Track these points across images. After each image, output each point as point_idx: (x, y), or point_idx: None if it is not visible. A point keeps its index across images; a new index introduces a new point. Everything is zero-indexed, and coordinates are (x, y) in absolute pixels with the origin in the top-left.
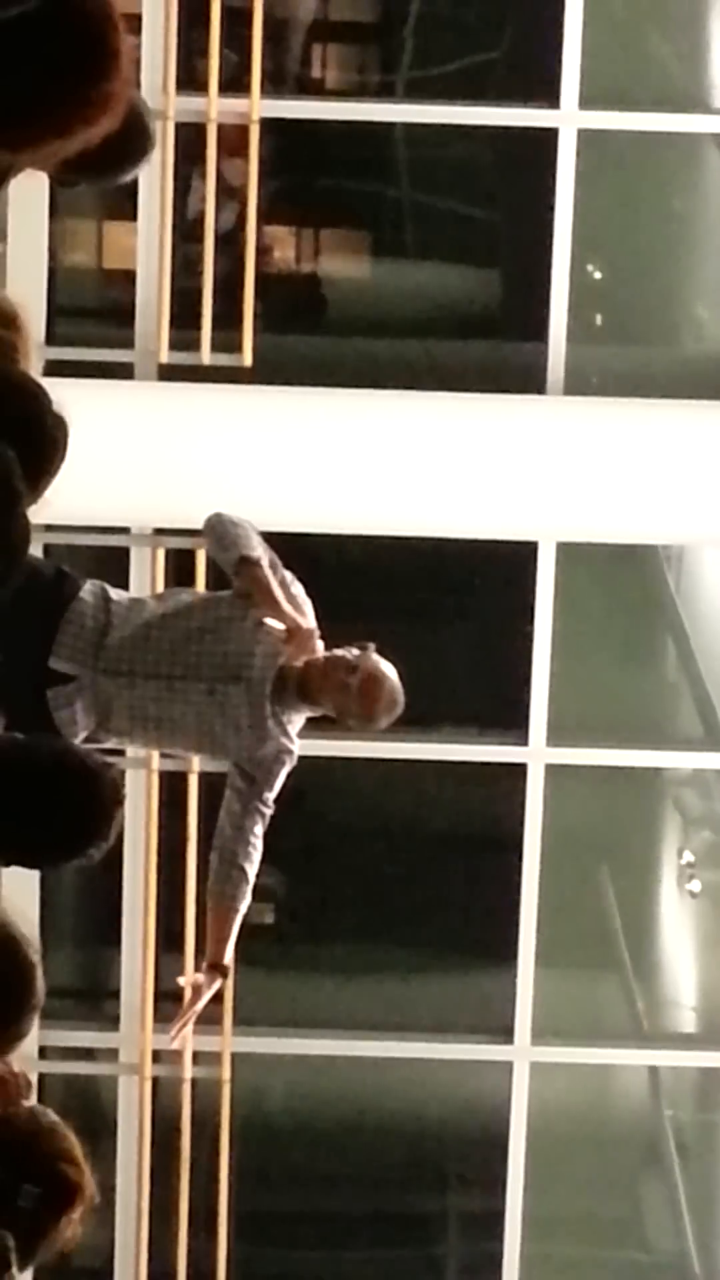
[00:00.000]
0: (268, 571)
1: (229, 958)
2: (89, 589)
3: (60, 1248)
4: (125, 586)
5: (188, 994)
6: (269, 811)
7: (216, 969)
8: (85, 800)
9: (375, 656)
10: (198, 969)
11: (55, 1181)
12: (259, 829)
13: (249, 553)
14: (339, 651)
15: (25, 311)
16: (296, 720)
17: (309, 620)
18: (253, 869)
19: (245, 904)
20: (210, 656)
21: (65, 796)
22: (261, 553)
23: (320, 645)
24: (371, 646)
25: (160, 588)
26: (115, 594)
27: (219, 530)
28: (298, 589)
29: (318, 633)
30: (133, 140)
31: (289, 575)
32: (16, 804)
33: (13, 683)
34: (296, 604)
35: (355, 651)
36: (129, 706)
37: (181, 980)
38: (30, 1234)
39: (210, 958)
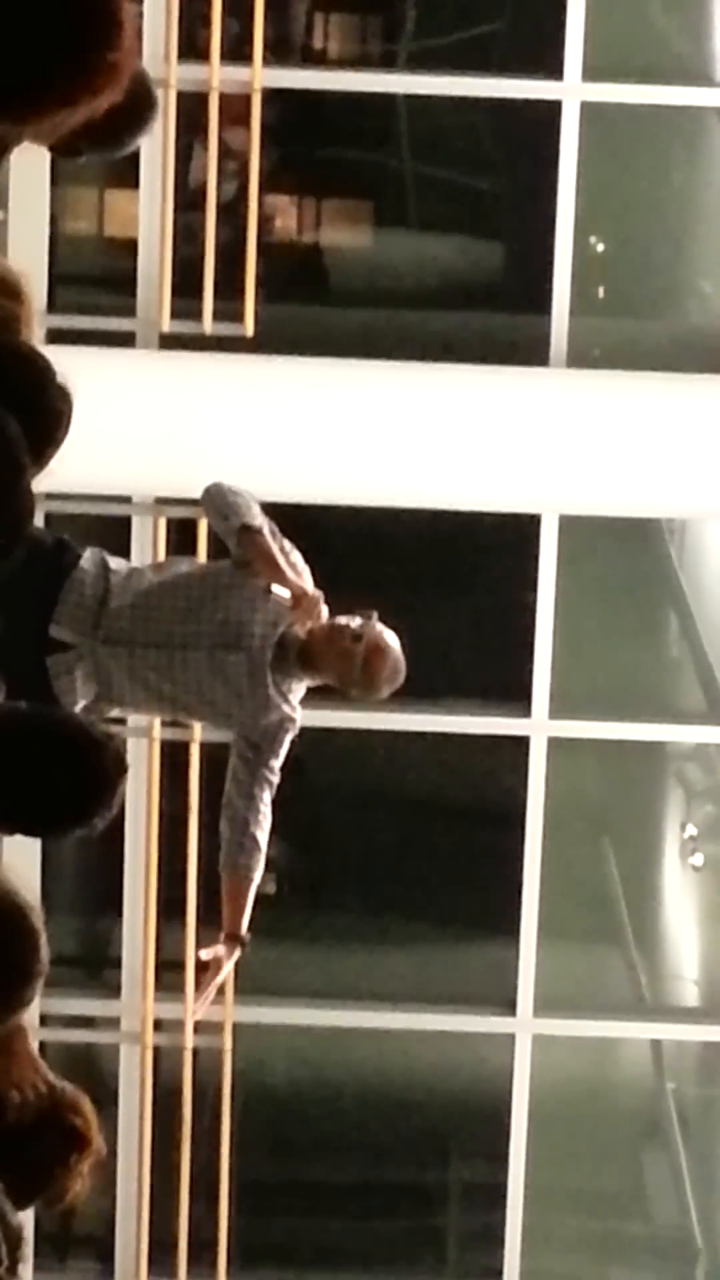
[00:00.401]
0: (269, 538)
1: (246, 928)
2: (89, 557)
3: (66, 1198)
4: (127, 556)
5: (211, 968)
6: (275, 779)
7: (235, 939)
8: (88, 770)
9: (378, 625)
10: (200, 939)
11: (59, 1128)
12: (267, 797)
13: (250, 520)
14: (342, 619)
15: (28, 282)
16: (298, 689)
17: (312, 586)
18: (264, 836)
19: (259, 873)
20: (210, 625)
21: (68, 767)
22: (261, 521)
23: (325, 611)
24: (374, 615)
25: (161, 558)
26: (115, 562)
27: (218, 500)
28: (297, 557)
29: (322, 598)
30: (136, 110)
31: (288, 544)
32: (19, 774)
33: (13, 650)
34: (297, 571)
35: (358, 620)
36: (129, 675)
37: (203, 954)
38: (28, 1176)
39: (228, 928)
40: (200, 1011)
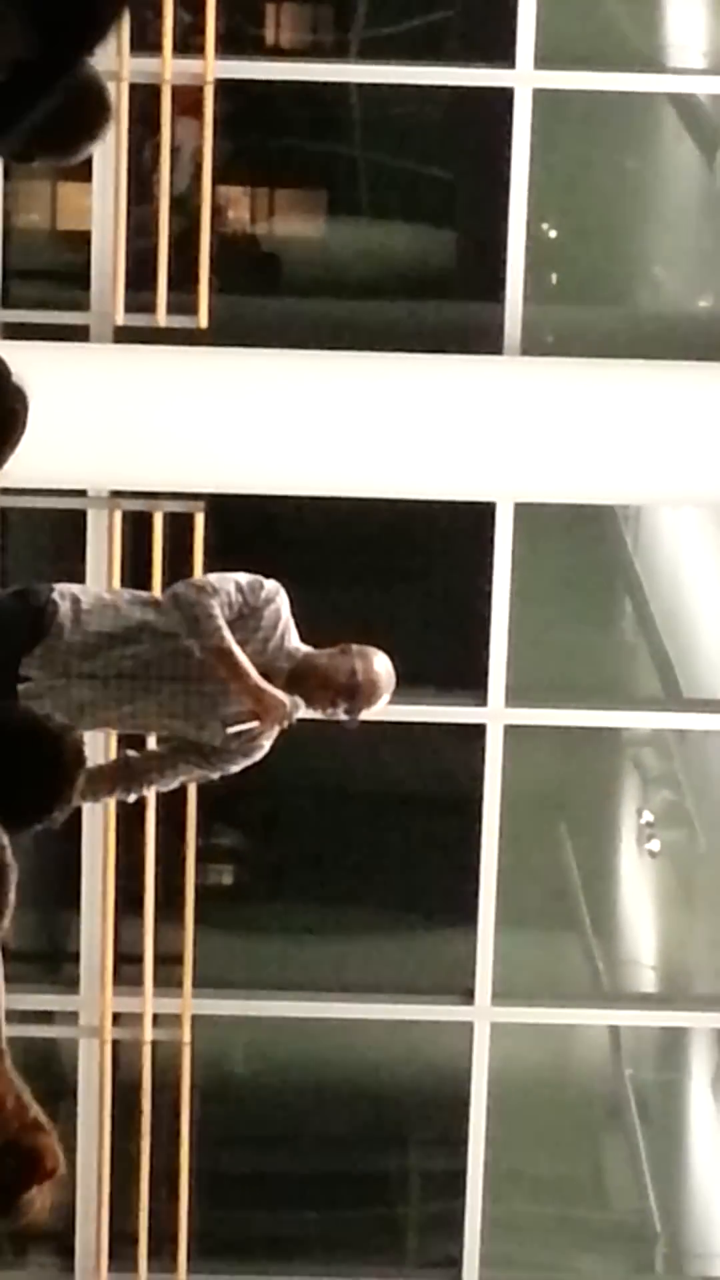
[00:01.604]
0: (234, 652)
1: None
2: (59, 602)
3: (22, 1220)
4: (83, 550)
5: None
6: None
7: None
8: (47, 762)
9: (367, 653)
10: (157, 932)
11: (24, 1153)
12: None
13: (209, 642)
14: (326, 673)
15: None
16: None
17: (279, 694)
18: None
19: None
20: (184, 696)
21: (26, 759)
22: (223, 625)
23: (299, 711)
24: (353, 649)
25: (117, 550)
26: (83, 597)
27: (176, 616)
28: (270, 605)
29: (291, 704)
30: (89, 117)
31: (262, 594)
32: None
33: None
34: (270, 631)
35: (341, 669)
36: (101, 708)
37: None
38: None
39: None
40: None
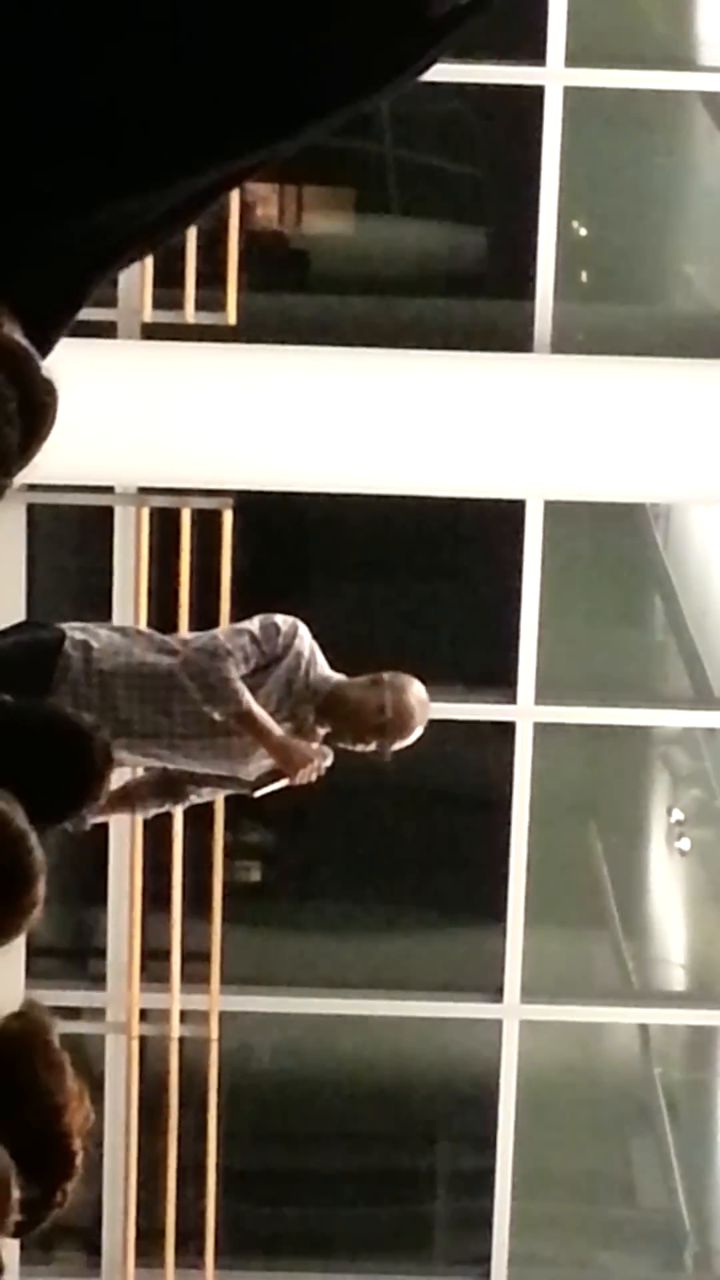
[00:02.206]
0: (257, 714)
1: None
2: (70, 647)
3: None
4: (110, 547)
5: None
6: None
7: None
8: (76, 761)
9: (399, 684)
10: (185, 928)
11: (52, 1161)
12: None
13: (229, 709)
14: (363, 709)
15: None
16: None
17: (306, 746)
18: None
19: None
20: (210, 751)
21: (56, 758)
22: (240, 686)
23: (327, 763)
24: (385, 680)
25: (145, 547)
26: (97, 643)
27: (193, 686)
28: (291, 650)
29: (319, 757)
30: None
31: (279, 640)
32: (7, 766)
33: None
34: (293, 672)
35: (372, 704)
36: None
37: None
38: (23, 1224)
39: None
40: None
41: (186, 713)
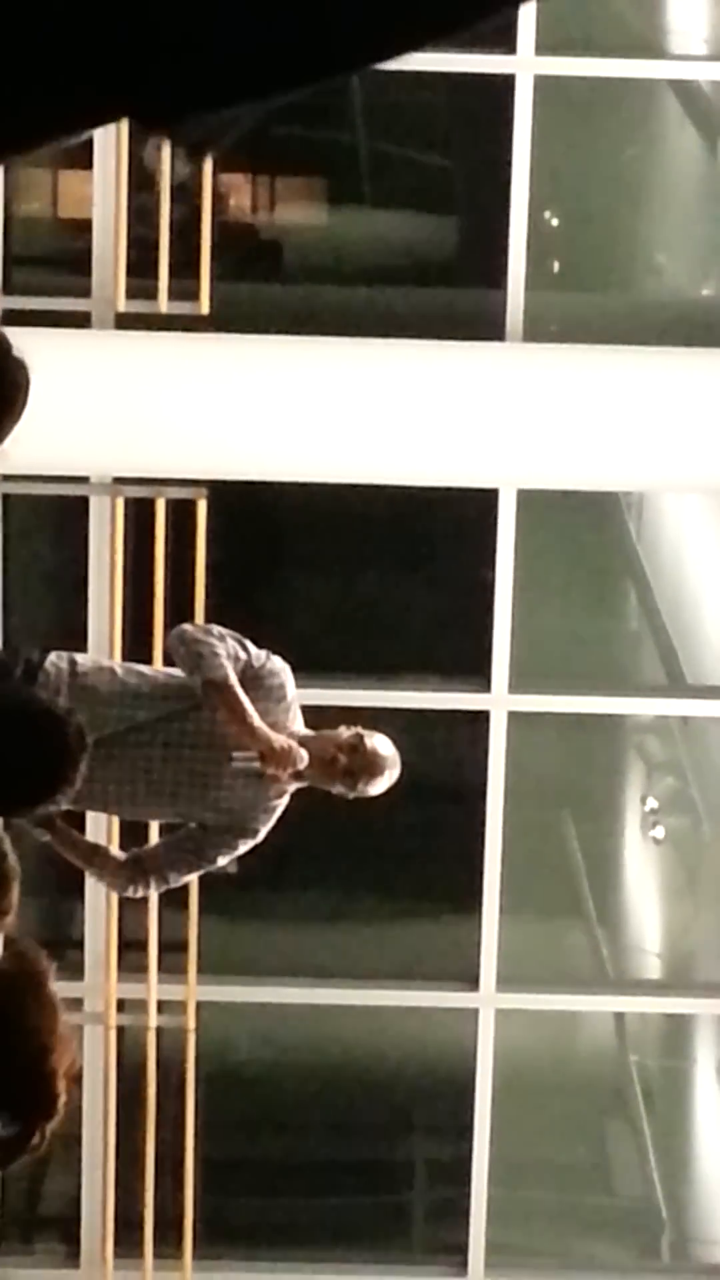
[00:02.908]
0: (236, 690)
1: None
2: (52, 666)
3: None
4: (85, 537)
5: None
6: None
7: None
8: (50, 745)
9: (367, 733)
10: (162, 919)
11: (35, 1099)
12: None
13: (213, 675)
14: (330, 739)
15: None
16: (279, 804)
17: (282, 738)
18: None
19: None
20: (189, 765)
21: (31, 742)
22: (228, 666)
23: (304, 757)
24: (359, 731)
25: (120, 537)
26: (81, 666)
27: (183, 650)
28: (276, 677)
29: (295, 749)
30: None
31: (268, 663)
32: None
33: None
34: (275, 703)
35: (344, 734)
36: (102, 792)
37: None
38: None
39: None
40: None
41: (171, 731)
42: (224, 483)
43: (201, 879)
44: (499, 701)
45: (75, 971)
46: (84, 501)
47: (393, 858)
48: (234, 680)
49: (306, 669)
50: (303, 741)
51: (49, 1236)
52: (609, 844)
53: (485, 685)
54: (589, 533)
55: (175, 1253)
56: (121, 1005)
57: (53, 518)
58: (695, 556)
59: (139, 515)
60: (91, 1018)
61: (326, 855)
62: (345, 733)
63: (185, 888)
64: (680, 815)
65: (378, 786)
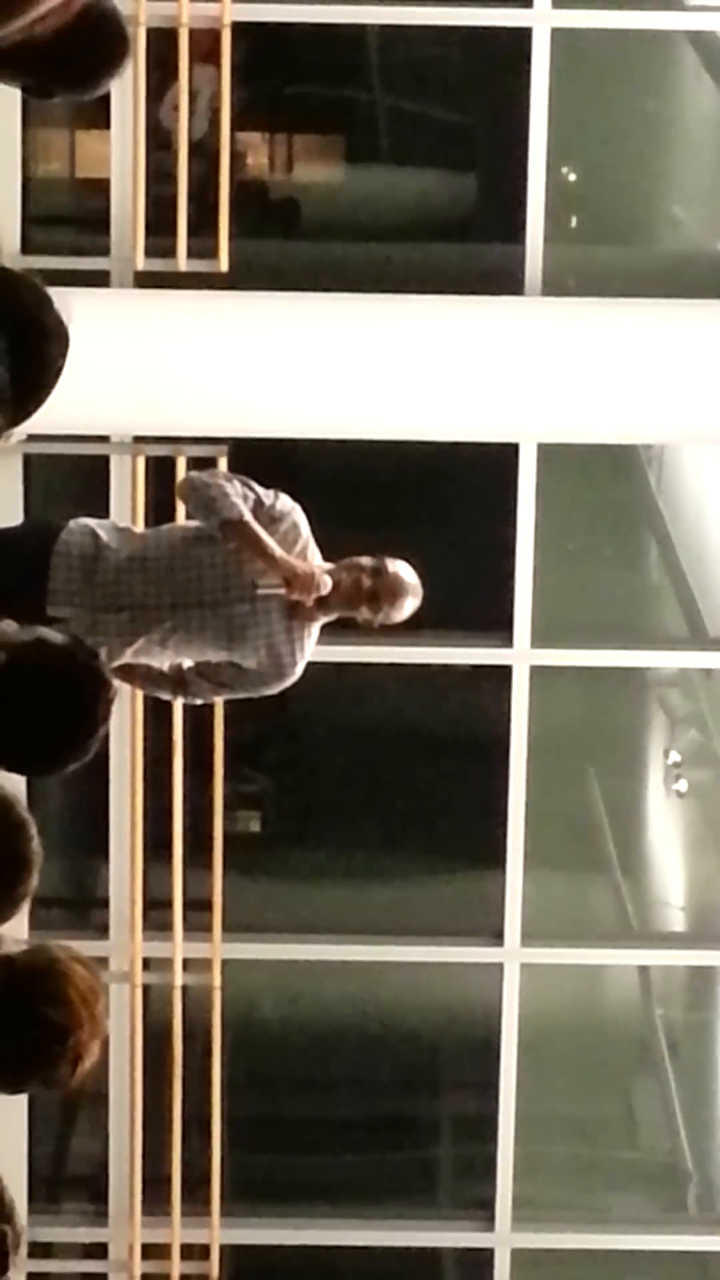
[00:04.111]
0: (253, 525)
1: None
2: (73, 527)
3: (66, 1083)
4: (107, 495)
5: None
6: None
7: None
8: (79, 694)
9: (387, 559)
10: (186, 876)
11: (49, 1021)
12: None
13: (228, 515)
14: (352, 565)
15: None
16: (311, 636)
17: (305, 564)
18: (185, 694)
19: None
20: (212, 581)
21: (58, 690)
22: (240, 504)
23: (327, 582)
24: (382, 557)
25: (141, 495)
26: (104, 531)
27: (193, 498)
28: (289, 518)
29: (317, 573)
30: (109, 50)
31: (278, 504)
32: (12, 701)
33: None
34: (291, 545)
35: (366, 561)
36: (132, 635)
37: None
38: (15, 1067)
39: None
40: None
41: (190, 577)
42: (244, 440)
43: (226, 838)
44: (521, 656)
45: (101, 931)
46: (105, 461)
47: (416, 813)
48: (249, 516)
49: (327, 625)
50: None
51: (77, 1195)
52: (632, 798)
53: (507, 640)
54: (610, 486)
55: (203, 1210)
56: (147, 964)
57: (74, 477)
58: (716, 509)
59: (160, 474)
60: (117, 976)
61: (350, 812)
62: (367, 560)
63: (209, 847)
64: (703, 768)
65: (401, 611)
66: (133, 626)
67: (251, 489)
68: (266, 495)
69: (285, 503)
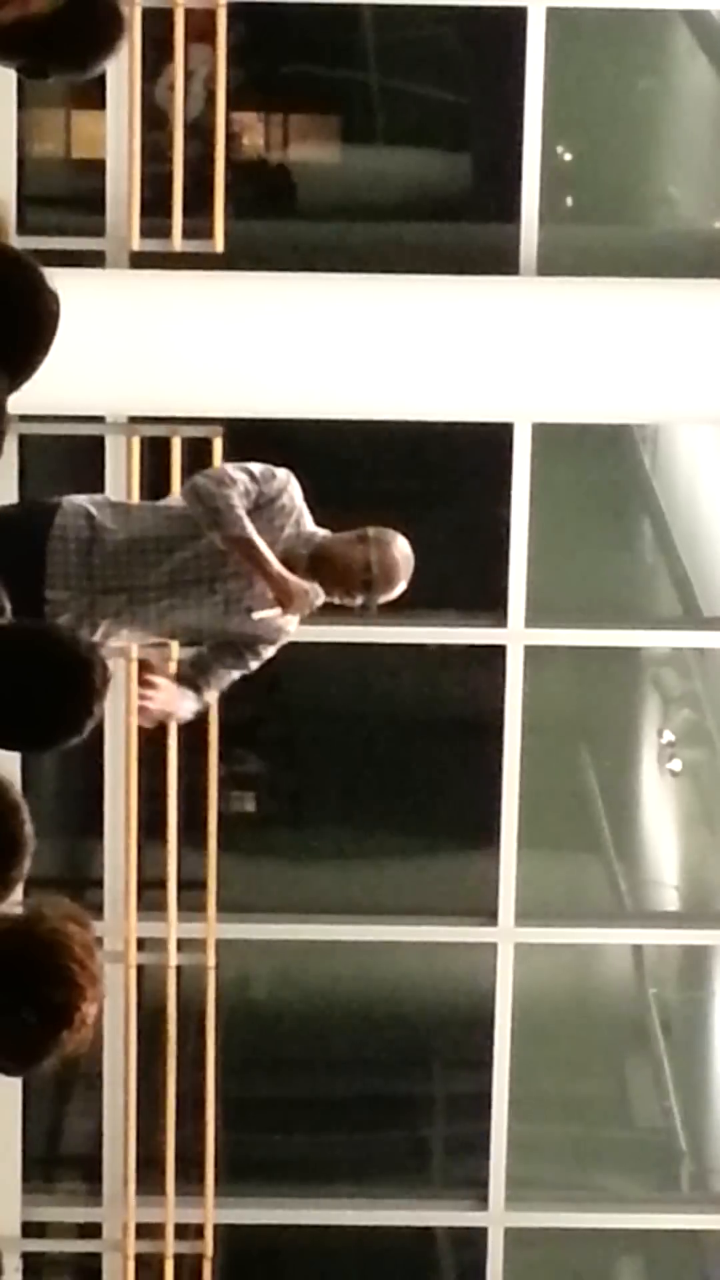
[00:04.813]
0: (256, 542)
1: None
2: (67, 509)
3: (68, 1054)
4: (102, 475)
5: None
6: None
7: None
8: (72, 679)
9: (384, 540)
10: (181, 857)
11: (54, 1001)
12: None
13: (234, 532)
14: (345, 561)
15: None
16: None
17: (299, 583)
18: (205, 695)
19: (189, 703)
20: (210, 558)
21: (52, 676)
22: (245, 520)
23: (319, 599)
24: (370, 536)
25: (136, 475)
26: (96, 508)
27: (200, 510)
28: (281, 496)
29: (312, 592)
30: (104, 30)
31: (273, 485)
32: (4, 685)
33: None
34: (284, 521)
35: (358, 555)
36: (130, 614)
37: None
38: (28, 1051)
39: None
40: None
41: (187, 559)
42: (240, 421)
43: (221, 818)
44: (515, 636)
45: (95, 911)
46: (100, 441)
47: (410, 793)
48: (251, 531)
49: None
50: (319, 550)
51: (71, 1175)
52: (626, 777)
53: (501, 620)
54: (604, 466)
55: (197, 1190)
56: (141, 944)
57: (69, 458)
58: (710, 489)
59: (155, 454)
60: (112, 956)
61: (344, 791)
62: (359, 553)
63: (203, 827)
64: (697, 747)
65: (393, 594)
66: (130, 607)
67: (253, 478)
68: (264, 478)
69: (280, 478)
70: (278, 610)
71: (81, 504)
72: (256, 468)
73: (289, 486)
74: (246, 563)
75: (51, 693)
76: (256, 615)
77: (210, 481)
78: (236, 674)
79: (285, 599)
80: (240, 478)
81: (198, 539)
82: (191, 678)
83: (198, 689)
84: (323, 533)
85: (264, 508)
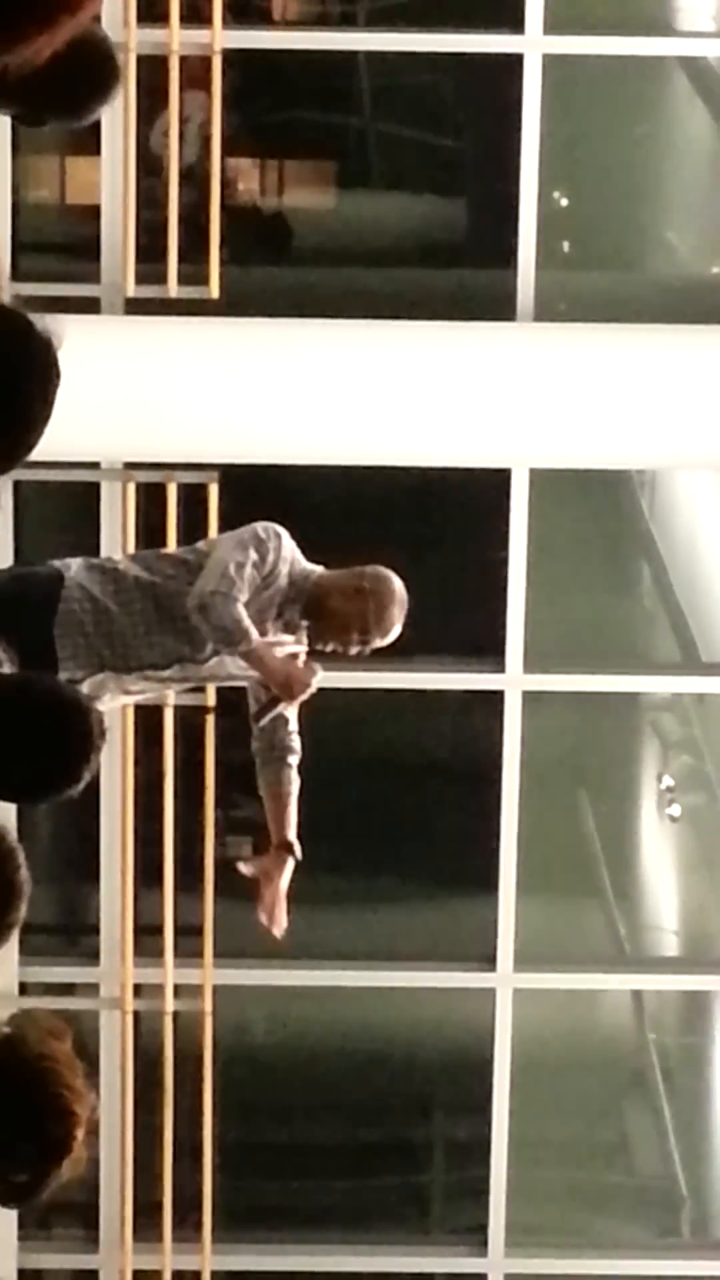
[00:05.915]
0: (263, 649)
1: (294, 834)
2: (70, 589)
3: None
4: (97, 521)
5: (263, 881)
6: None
7: (284, 848)
8: (69, 733)
9: (381, 591)
10: (177, 903)
11: (51, 1135)
12: (292, 724)
13: (243, 646)
14: (341, 616)
15: None
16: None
17: (300, 671)
18: (295, 756)
19: (296, 787)
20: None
21: (49, 729)
22: (250, 625)
23: (319, 673)
24: (367, 588)
25: (131, 522)
26: (95, 585)
27: (206, 629)
28: (278, 555)
29: (313, 681)
30: (100, 77)
31: (269, 549)
32: (2, 735)
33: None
34: (283, 570)
35: (354, 609)
36: (143, 680)
37: (244, 867)
38: (29, 1186)
39: (275, 839)
40: (276, 926)
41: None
42: (235, 467)
43: (217, 864)
44: (513, 681)
45: (91, 956)
46: (95, 487)
47: (409, 838)
48: (256, 638)
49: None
50: (317, 593)
51: (68, 1221)
52: (625, 822)
53: (499, 665)
54: (602, 511)
55: (194, 1236)
56: (138, 990)
57: (64, 504)
58: (709, 534)
59: (150, 500)
60: (108, 1002)
61: (342, 837)
62: (356, 607)
63: (200, 873)
64: (696, 792)
65: (389, 640)
66: (144, 675)
67: (262, 559)
68: (263, 548)
69: (273, 540)
70: (281, 707)
71: (84, 585)
72: (251, 540)
73: (282, 541)
74: (255, 670)
75: (49, 743)
76: (263, 721)
77: (218, 596)
78: (288, 713)
79: (288, 696)
80: (247, 574)
81: (194, 631)
82: (268, 751)
83: (282, 758)
84: (318, 571)
85: (265, 577)
